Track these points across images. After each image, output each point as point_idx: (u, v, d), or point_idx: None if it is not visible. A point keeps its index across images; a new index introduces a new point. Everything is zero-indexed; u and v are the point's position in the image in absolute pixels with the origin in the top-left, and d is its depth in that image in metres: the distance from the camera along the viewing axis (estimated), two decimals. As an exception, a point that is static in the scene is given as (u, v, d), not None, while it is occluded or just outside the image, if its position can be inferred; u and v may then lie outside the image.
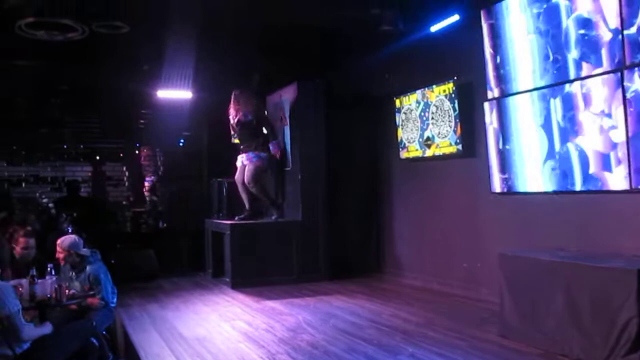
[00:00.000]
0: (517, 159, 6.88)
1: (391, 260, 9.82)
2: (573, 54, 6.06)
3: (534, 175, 6.63)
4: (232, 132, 9.84)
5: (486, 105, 7.29)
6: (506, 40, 7.02)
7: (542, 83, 6.49)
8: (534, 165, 6.62)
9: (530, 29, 6.63)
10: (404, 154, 9.11)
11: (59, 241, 5.75)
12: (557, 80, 6.27)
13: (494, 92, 7.21)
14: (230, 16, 8.02)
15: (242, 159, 9.64)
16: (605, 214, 5.93)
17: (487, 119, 7.28)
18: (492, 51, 7.22)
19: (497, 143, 7.15)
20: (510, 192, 7.05)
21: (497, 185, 7.20)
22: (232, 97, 9.55)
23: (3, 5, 6.48)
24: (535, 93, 6.59)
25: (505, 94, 7.05)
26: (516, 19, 6.82)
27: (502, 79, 7.10)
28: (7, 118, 10.83)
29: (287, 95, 9.90)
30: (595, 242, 5.90)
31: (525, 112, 6.73)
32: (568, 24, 6.09)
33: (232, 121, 9.62)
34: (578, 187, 6.06)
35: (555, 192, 6.37)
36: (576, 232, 6.18)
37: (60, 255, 5.66)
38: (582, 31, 5.93)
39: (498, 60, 7.10)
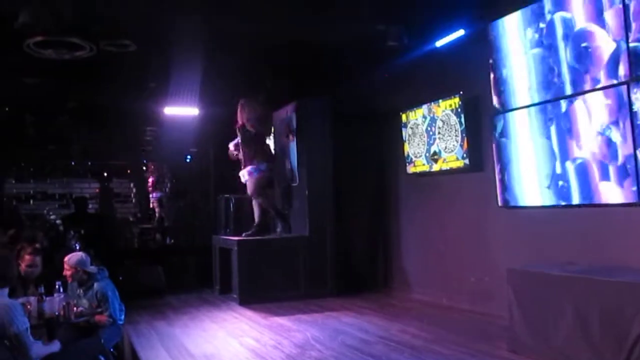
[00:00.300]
0: (523, 172, 6.86)
1: (399, 275, 9.79)
2: (575, 68, 6.06)
3: (540, 189, 6.61)
4: (234, 148, 9.83)
5: (492, 119, 7.29)
6: (507, 54, 7.04)
7: (545, 97, 6.48)
8: (539, 179, 6.60)
9: (531, 43, 6.64)
10: (410, 169, 9.10)
11: (66, 258, 5.77)
12: (559, 94, 6.27)
13: (498, 107, 7.21)
14: (236, 34, 8.06)
15: (242, 175, 9.60)
16: (614, 228, 5.89)
17: (493, 133, 7.28)
18: (496, 65, 7.23)
19: (503, 157, 7.14)
20: (516, 206, 7.03)
21: (503, 199, 7.18)
22: (239, 106, 9.55)
23: (12, 25, 6.51)
24: (537, 107, 6.59)
25: (509, 108, 7.04)
26: (517, 33, 6.84)
27: (505, 93, 7.11)
28: (16, 135, 10.90)
29: (293, 111, 9.92)
30: (605, 255, 5.86)
31: (527, 126, 6.72)
32: (570, 38, 6.10)
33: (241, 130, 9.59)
34: (585, 200, 6.03)
35: (563, 206, 6.34)
36: (585, 246, 6.15)
37: (67, 272, 5.67)
38: (584, 44, 5.93)
39: (503, 75, 7.11)
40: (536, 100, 6.62)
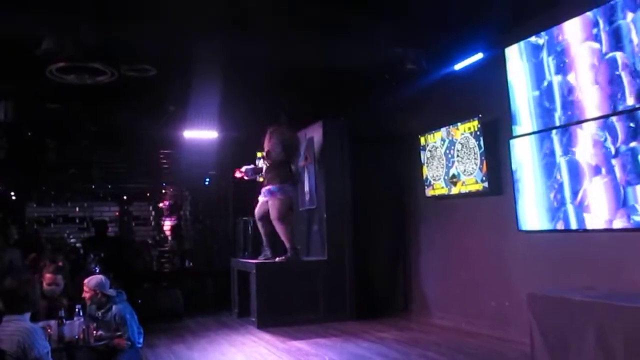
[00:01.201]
0: (542, 196, 6.81)
1: (418, 299, 9.73)
2: (593, 92, 6.04)
3: (560, 213, 6.56)
4: (259, 172, 9.80)
5: (511, 142, 7.27)
6: (527, 78, 7.04)
7: (565, 121, 6.46)
8: (560, 203, 6.56)
9: (551, 67, 6.64)
10: (429, 192, 9.08)
11: (85, 280, 5.80)
12: (580, 118, 6.25)
13: (518, 130, 7.19)
14: (254, 58, 8.12)
15: (263, 193, 9.44)
16: (637, 252, 5.82)
17: (512, 157, 7.25)
18: (512, 90, 7.24)
19: (523, 181, 7.10)
20: (537, 230, 6.98)
21: (523, 223, 7.13)
22: (267, 133, 9.46)
23: (35, 51, 6.63)
24: (559, 131, 6.57)
25: (528, 131, 7.02)
26: (536, 57, 6.84)
27: (519, 117, 7.10)
28: (37, 159, 11.03)
29: (312, 134, 9.97)
30: (627, 281, 5.80)
31: (548, 149, 6.69)
32: (590, 63, 6.09)
33: (263, 156, 9.56)
34: (606, 225, 5.97)
35: (584, 230, 6.28)
36: (606, 271, 6.08)
37: (86, 294, 5.69)
38: (603, 69, 5.91)
39: (528, 96, 7.09)
40: (559, 124, 6.59)
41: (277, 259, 9.35)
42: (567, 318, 5.41)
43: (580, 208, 6.25)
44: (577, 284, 6.10)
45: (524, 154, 7.02)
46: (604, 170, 5.94)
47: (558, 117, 6.55)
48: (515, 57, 7.13)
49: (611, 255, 6.07)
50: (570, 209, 6.40)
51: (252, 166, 9.86)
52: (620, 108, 5.76)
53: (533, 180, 6.88)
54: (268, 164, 9.48)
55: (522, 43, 7.01)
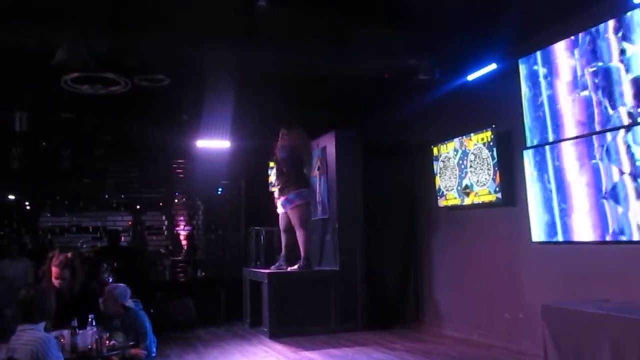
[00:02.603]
0: (558, 208, 6.78)
1: (430, 310, 9.68)
2: (624, 102, 6.01)
3: (577, 225, 6.52)
4: (274, 178, 9.75)
5: (525, 153, 7.24)
6: (542, 89, 7.02)
7: (584, 131, 6.44)
8: (577, 215, 6.52)
9: (575, 79, 6.62)
10: (442, 202, 9.05)
11: (109, 287, 5.82)
12: (599, 128, 6.23)
13: (533, 140, 7.17)
14: (267, 68, 8.15)
15: (281, 204, 9.46)
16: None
17: (527, 168, 7.23)
18: (532, 99, 7.22)
19: (537, 192, 7.07)
20: (551, 241, 6.94)
21: (537, 235, 7.09)
22: (280, 135, 9.51)
23: (49, 62, 6.67)
24: (578, 140, 6.54)
25: (546, 142, 7.00)
26: (552, 67, 6.83)
27: (541, 127, 7.07)
28: (52, 169, 11.10)
29: (324, 144, 9.97)
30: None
31: (567, 161, 6.67)
32: (619, 74, 6.07)
33: (278, 158, 9.55)
34: (625, 237, 5.93)
35: (601, 242, 6.24)
36: (621, 283, 6.03)
37: (105, 302, 5.69)
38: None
39: (543, 108, 7.07)
40: (576, 134, 6.57)
41: (289, 268, 9.36)
42: (581, 330, 5.37)
43: (596, 220, 6.22)
44: (592, 296, 6.06)
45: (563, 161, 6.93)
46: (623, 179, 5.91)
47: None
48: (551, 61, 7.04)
49: (626, 267, 6.01)
50: (582, 220, 6.38)
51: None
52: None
53: (539, 191, 6.85)
54: (279, 172, 9.49)
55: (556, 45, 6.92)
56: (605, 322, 5.15)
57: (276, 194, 9.66)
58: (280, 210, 9.55)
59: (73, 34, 6.65)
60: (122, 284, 5.87)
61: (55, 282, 5.70)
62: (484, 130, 8.02)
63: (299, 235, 9.33)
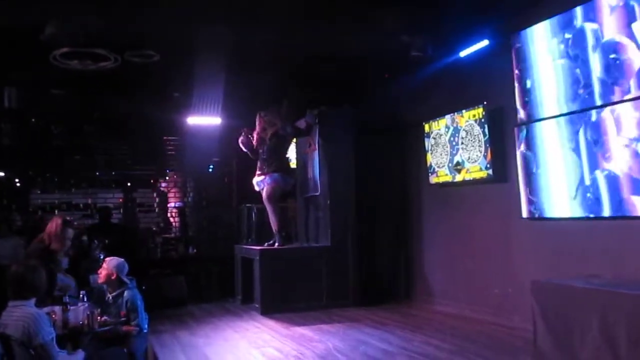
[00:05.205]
0: (546, 184, 6.81)
1: (421, 286, 9.74)
2: (603, 79, 6.01)
3: (564, 201, 6.55)
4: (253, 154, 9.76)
5: (516, 130, 7.25)
6: (533, 65, 7.01)
7: (572, 108, 6.45)
8: (564, 191, 6.55)
9: (558, 54, 6.62)
10: (433, 179, 9.07)
11: (107, 259, 5.84)
12: (587, 105, 6.23)
13: (523, 117, 7.18)
14: (259, 45, 8.10)
15: (254, 183, 9.59)
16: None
17: (517, 144, 7.24)
18: (520, 76, 7.21)
19: (527, 168, 7.10)
20: (540, 217, 6.98)
21: (527, 211, 7.13)
22: (257, 117, 9.54)
23: (38, 37, 6.61)
24: (564, 118, 6.56)
25: (533, 119, 7.02)
26: (543, 44, 6.81)
27: (530, 104, 7.08)
28: (41, 146, 11.03)
29: (316, 121, 9.93)
30: (631, 269, 5.79)
31: (554, 137, 6.70)
32: (598, 48, 6.06)
33: (254, 142, 9.57)
34: (611, 213, 5.97)
35: (589, 218, 6.28)
36: (610, 259, 6.08)
37: (103, 271, 5.70)
38: (612, 55, 5.89)
39: (527, 85, 7.08)
40: (564, 111, 6.58)
41: (266, 244, 9.45)
42: (570, 305, 5.41)
43: (589, 197, 6.25)
44: (582, 272, 6.10)
45: (546, 139, 6.94)
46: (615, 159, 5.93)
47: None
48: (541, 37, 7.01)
49: (616, 242, 6.06)
50: (579, 197, 6.40)
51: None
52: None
53: (555, 166, 6.83)
54: (259, 154, 9.50)
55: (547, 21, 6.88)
56: (594, 297, 5.20)
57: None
58: (256, 188, 9.60)
59: (63, 8, 6.59)
60: (120, 258, 5.87)
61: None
62: (476, 107, 8.02)
63: (269, 211, 9.44)
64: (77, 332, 5.00)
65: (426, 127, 9.12)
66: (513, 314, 7.45)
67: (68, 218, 6.24)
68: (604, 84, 6.05)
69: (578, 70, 6.36)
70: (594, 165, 6.15)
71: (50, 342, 4.09)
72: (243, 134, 9.62)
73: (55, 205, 11.41)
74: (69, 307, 5.01)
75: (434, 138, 8.95)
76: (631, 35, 5.67)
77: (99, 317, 5.24)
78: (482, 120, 7.92)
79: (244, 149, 9.66)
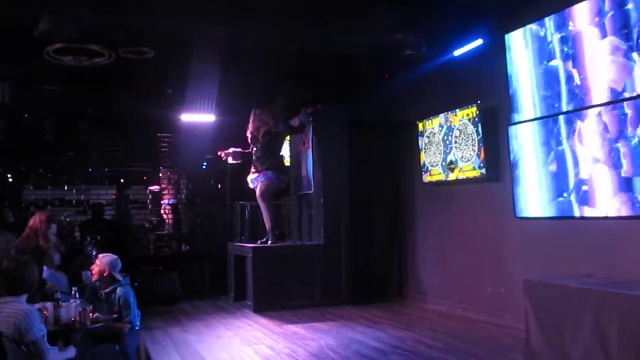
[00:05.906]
0: (537, 184, 6.83)
1: (414, 285, 9.75)
2: (594, 80, 6.03)
3: (555, 200, 6.57)
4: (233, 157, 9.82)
5: (509, 129, 7.27)
6: (522, 65, 7.03)
7: (567, 108, 6.46)
8: (555, 190, 6.57)
9: (548, 54, 6.63)
10: (427, 178, 9.08)
11: (100, 255, 5.80)
12: (580, 105, 6.25)
13: (516, 117, 7.20)
14: (254, 42, 8.09)
15: (249, 180, 9.58)
16: (633, 240, 5.83)
17: (510, 143, 7.25)
18: (513, 75, 7.23)
19: (520, 167, 7.11)
20: (532, 216, 6.99)
21: (520, 210, 7.15)
22: (252, 115, 9.52)
23: (32, 32, 6.58)
24: (544, 121, 6.61)
25: (525, 119, 7.03)
26: (533, 44, 6.83)
27: (516, 105, 7.11)
28: (34, 142, 11.00)
29: (310, 119, 9.91)
30: (623, 268, 5.81)
31: (543, 136, 6.71)
32: (592, 48, 6.08)
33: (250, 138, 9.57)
34: (602, 212, 5.99)
35: (581, 218, 6.30)
36: (603, 258, 6.09)
37: (95, 268, 5.68)
38: (611, 57, 5.90)
39: (522, 85, 7.10)
40: (543, 114, 6.65)
41: (259, 242, 9.45)
42: (562, 304, 5.42)
43: (580, 195, 6.27)
44: (574, 271, 6.12)
45: (525, 141, 7.02)
46: (604, 158, 5.95)
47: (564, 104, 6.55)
48: (519, 43, 7.09)
49: (608, 242, 6.08)
50: (570, 196, 6.42)
51: (239, 149, 9.83)
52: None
53: (534, 167, 6.88)
54: (253, 152, 9.49)
55: (526, 28, 6.97)
56: (586, 296, 5.20)
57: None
58: (251, 186, 9.60)
59: (57, 4, 6.56)
60: (113, 255, 5.84)
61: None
62: (470, 106, 8.03)
63: (262, 209, 9.44)
64: (69, 329, 4.97)
65: (420, 125, 9.13)
66: (505, 312, 7.47)
67: (49, 213, 6.20)
68: (583, 87, 6.10)
69: (558, 73, 6.40)
70: (584, 165, 6.16)
71: (41, 338, 4.07)
72: (223, 155, 9.83)
73: (48, 201, 11.39)
74: (61, 303, 4.99)
75: (428, 137, 8.96)
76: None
77: (91, 314, 5.22)
78: (476, 119, 7.93)
79: (233, 160, 9.85)
